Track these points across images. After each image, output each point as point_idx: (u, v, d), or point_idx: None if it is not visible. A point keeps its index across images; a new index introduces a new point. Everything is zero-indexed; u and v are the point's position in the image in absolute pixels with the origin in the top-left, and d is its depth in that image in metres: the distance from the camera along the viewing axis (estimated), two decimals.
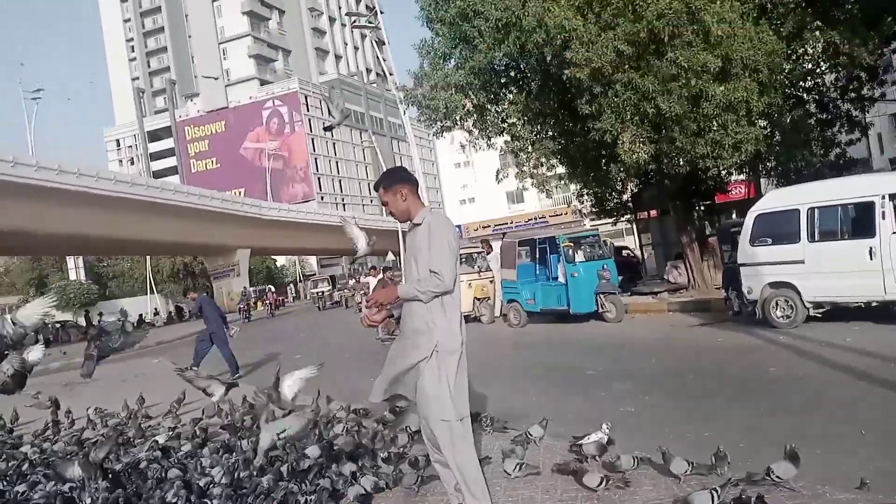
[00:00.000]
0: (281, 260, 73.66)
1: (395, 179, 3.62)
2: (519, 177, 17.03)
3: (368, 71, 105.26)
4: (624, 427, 5.00)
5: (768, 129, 13.69)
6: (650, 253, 21.43)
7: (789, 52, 12.77)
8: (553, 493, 3.90)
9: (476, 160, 47.56)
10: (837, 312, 9.63)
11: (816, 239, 9.55)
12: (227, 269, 47.59)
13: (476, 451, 3.62)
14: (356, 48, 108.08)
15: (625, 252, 21.98)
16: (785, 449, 3.50)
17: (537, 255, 15.08)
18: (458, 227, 34.33)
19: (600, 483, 3.78)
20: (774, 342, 8.90)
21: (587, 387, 7.47)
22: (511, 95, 16.25)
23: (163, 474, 4.48)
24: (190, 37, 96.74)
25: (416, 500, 4.04)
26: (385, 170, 4.16)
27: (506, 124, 16.60)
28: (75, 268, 55.82)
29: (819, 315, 9.74)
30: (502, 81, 16.26)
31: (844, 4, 13.10)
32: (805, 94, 15.41)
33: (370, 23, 35.13)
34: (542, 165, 16.42)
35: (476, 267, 16.36)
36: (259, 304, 43.30)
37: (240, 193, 61.68)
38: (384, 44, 34.13)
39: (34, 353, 5.43)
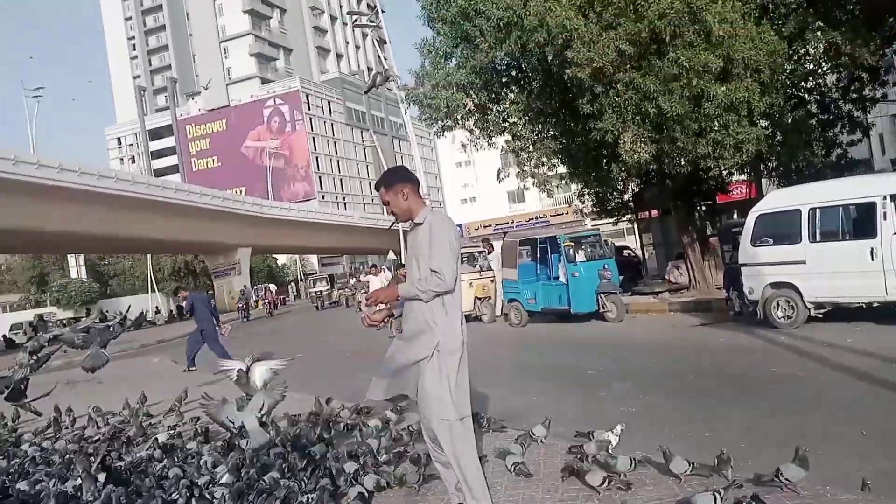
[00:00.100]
0: (282, 258, 73.71)
1: (397, 179, 3.61)
2: (520, 176, 17.03)
3: (370, 70, 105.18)
4: (627, 427, 4.99)
5: (770, 130, 13.69)
6: (651, 253, 21.43)
7: (791, 52, 12.77)
8: (554, 492, 3.90)
9: (477, 159, 47.54)
10: (839, 313, 9.63)
11: (818, 239, 9.55)
12: (228, 268, 47.61)
13: (477, 450, 3.62)
14: (357, 47, 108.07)
15: (626, 252, 21.99)
16: (796, 451, 3.48)
17: (538, 255, 15.07)
18: (460, 226, 34.27)
19: (602, 482, 3.78)
20: (775, 342, 8.90)
21: (588, 386, 7.47)
22: (512, 95, 16.25)
23: (164, 473, 4.49)
24: (191, 35, 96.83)
25: (417, 499, 4.04)
26: (386, 169, 4.16)
27: (507, 124, 16.60)
28: (76, 266, 55.92)
29: (820, 315, 9.73)
30: (503, 81, 16.26)
31: (846, 5, 13.09)
32: (806, 95, 15.41)
33: (371, 21, 35.08)
34: (543, 165, 16.42)
35: (477, 266, 16.37)
36: (259, 303, 43.22)
37: (241, 192, 61.67)
38: (385, 42, 34.10)
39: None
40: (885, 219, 8.75)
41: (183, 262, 57.93)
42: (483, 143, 17.12)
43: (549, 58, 13.06)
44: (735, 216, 19.20)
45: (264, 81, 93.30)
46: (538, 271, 15.02)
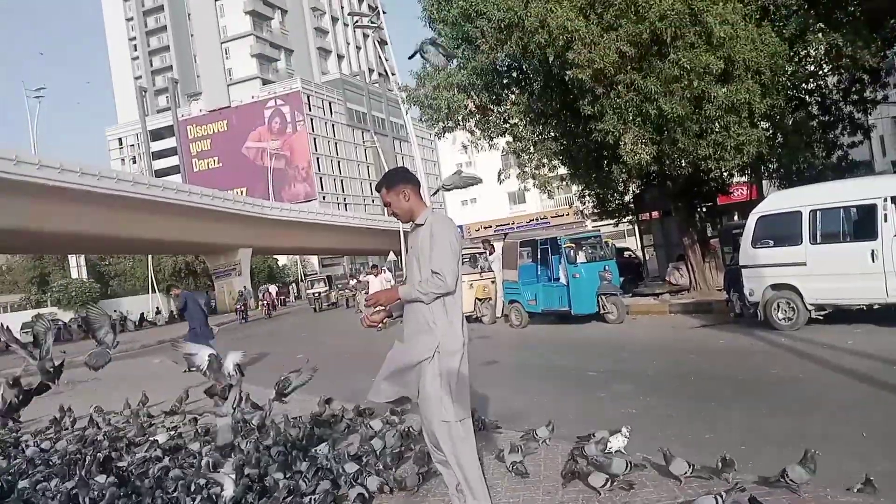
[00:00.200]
0: (283, 259, 73.68)
1: (398, 180, 3.62)
2: (521, 177, 17.05)
3: (371, 71, 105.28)
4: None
5: (770, 131, 13.68)
6: (652, 254, 21.41)
7: (792, 54, 12.77)
8: (554, 494, 3.90)
9: (478, 161, 47.46)
10: (839, 315, 9.63)
11: (818, 241, 9.55)
12: (229, 269, 47.59)
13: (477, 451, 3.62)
14: (358, 48, 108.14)
15: (626, 253, 21.97)
16: (804, 454, 3.47)
17: (539, 256, 15.08)
18: (460, 227, 34.25)
19: (605, 483, 3.79)
20: (776, 344, 8.89)
21: (588, 388, 7.47)
22: (513, 96, 16.26)
23: (163, 474, 4.49)
24: (192, 36, 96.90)
25: (417, 500, 4.05)
26: (387, 170, 4.16)
27: (508, 125, 16.61)
28: (77, 266, 55.90)
29: (821, 317, 9.73)
30: (504, 82, 16.27)
31: (847, 7, 13.08)
32: (807, 96, 15.39)
33: (372, 23, 35.12)
34: (543, 166, 16.43)
35: (478, 267, 16.37)
36: (258, 304, 43.09)
37: (241, 193, 61.70)
38: (386, 44, 34.14)
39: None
40: (885, 221, 8.75)
41: (184, 263, 57.86)
42: (484, 145, 17.13)
43: (550, 59, 13.06)
44: (736, 218, 19.17)
45: (265, 82, 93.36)
46: (539, 272, 15.02)
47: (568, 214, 37.73)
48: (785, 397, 6.15)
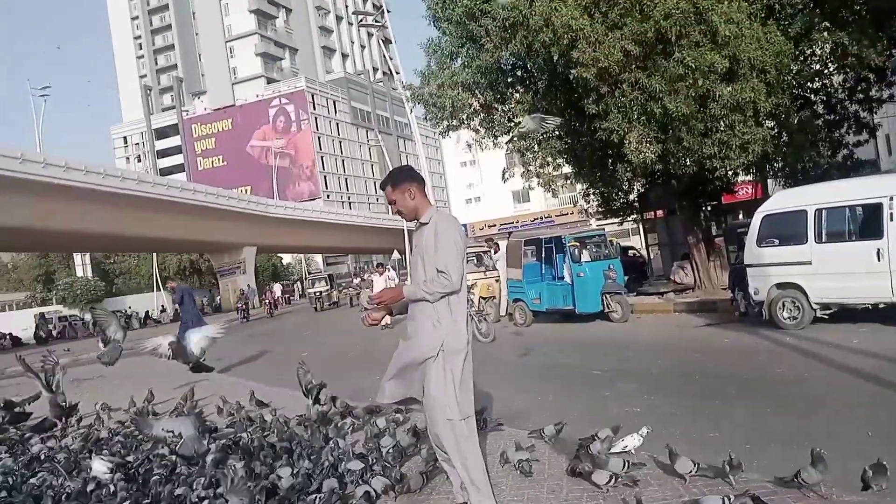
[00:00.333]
0: (287, 258, 73.80)
1: (403, 178, 3.62)
2: (525, 176, 17.03)
3: (375, 70, 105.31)
4: (629, 427, 4.98)
5: (776, 130, 13.66)
6: (656, 253, 21.39)
7: (797, 52, 12.72)
8: (559, 492, 3.90)
9: (482, 159, 47.61)
10: (845, 314, 9.61)
11: (824, 240, 9.53)
12: (234, 267, 47.69)
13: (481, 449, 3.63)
14: (363, 47, 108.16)
15: (631, 252, 21.95)
16: (812, 454, 3.46)
17: (543, 255, 15.06)
18: (464, 226, 34.23)
19: (609, 481, 3.79)
20: (781, 343, 8.88)
21: (592, 387, 7.47)
22: (518, 95, 16.25)
23: (167, 473, 4.51)
24: (197, 34, 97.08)
25: (422, 497, 4.05)
26: (392, 168, 4.17)
27: (512, 123, 16.59)
28: (82, 264, 56.12)
29: (826, 316, 9.71)
30: (509, 80, 16.27)
31: (853, 5, 13.03)
32: (813, 95, 15.35)
33: (377, 21, 35.12)
34: (548, 165, 16.41)
35: (482, 266, 16.37)
36: (261, 303, 43.00)
37: (246, 191, 61.82)
38: (391, 42, 34.12)
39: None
40: (891, 220, 8.72)
41: (188, 261, 58.04)
42: (488, 143, 17.12)
43: (555, 58, 13.06)
44: (741, 216, 19.12)
45: (270, 81, 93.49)
46: (543, 271, 15.02)
47: (572, 213, 37.77)
48: (790, 396, 6.14)
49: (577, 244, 13.73)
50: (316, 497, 3.82)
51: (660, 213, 19.90)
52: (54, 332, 38.70)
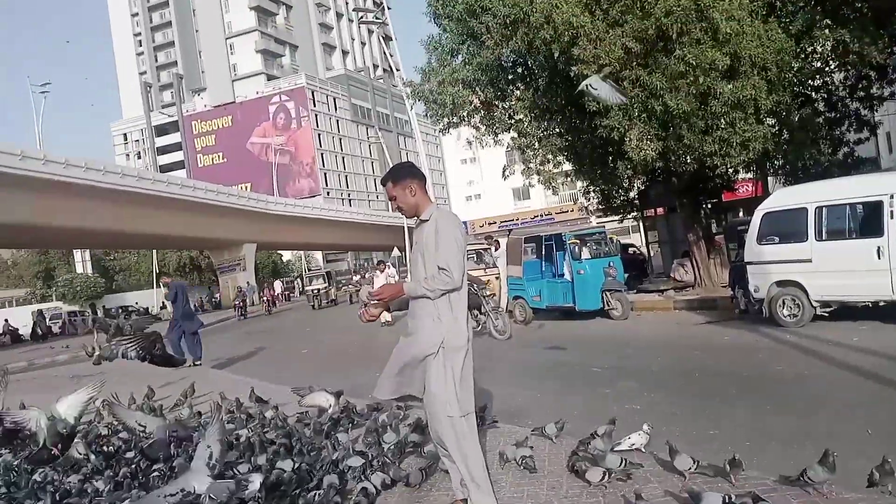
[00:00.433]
0: (287, 255, 73.81)
1: (404, 174, 3.61)
2: (525, 173, 17.02)
3: (375, 66, 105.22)
4: (629, 425, 4.99)
5: (776, 128, 13.65)
6: (656, 251, 21.39)
7: (798, 50, 12.71)
8: (559, 489, 3.90)
9: (482, 156, 47.55)
10: (845, 312, 9.61)
11: (824, 238, 9.53)
12: (234, 264, 47.70)
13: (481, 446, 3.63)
14: (363, 44, 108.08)
15: (631, 250, 21.94)
16: (824, 454, 3.44)
17: (543, 252, 15.06)
18: (465, 223, 34.13)
19: (602, 478, 3.80)
20: (781, 341, 8.88)
21: (592, 384, 7.47)
22: (518, 92, 16.24)
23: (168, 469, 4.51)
24: (197, 31, 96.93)
25: (422, 494, 4.05)
26: (393, 165, 4.16)
27: (513, 121, 16.58)
28: (82, 261, 56.16)
29: (826, 314, 9.71)
30: (510, 78, 16.25)
31: (854, 3, 13.01)
32: (814, 93, 15.35)
33: (377, 18, 35.03)
34: (548, 162, 16.39)
35: (483, 263, 16.37)
36: (260, 300, 42.93)
37: (246, 188, 61.84)
38: (391, 39, 34.07)
39: None
40: (891, 217, 8.71)
41: (188, 258, 58.07)
42: (489, 140, 17.10)
43: (556, 55, 13.04)
44: (741, 214, 19.13)
45: (270, 78, 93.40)
46: (543, 268, 15.02)
47: (572, 210, 37.73)
48: (790, 394, 6.14)
49: (578, 241, 13.72)
50: (315, 493, 3.81)
51: (660, 210, 19.90)
52: (55, 329, 38.71)
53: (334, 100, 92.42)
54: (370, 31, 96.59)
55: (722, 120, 11.80)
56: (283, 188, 75.25)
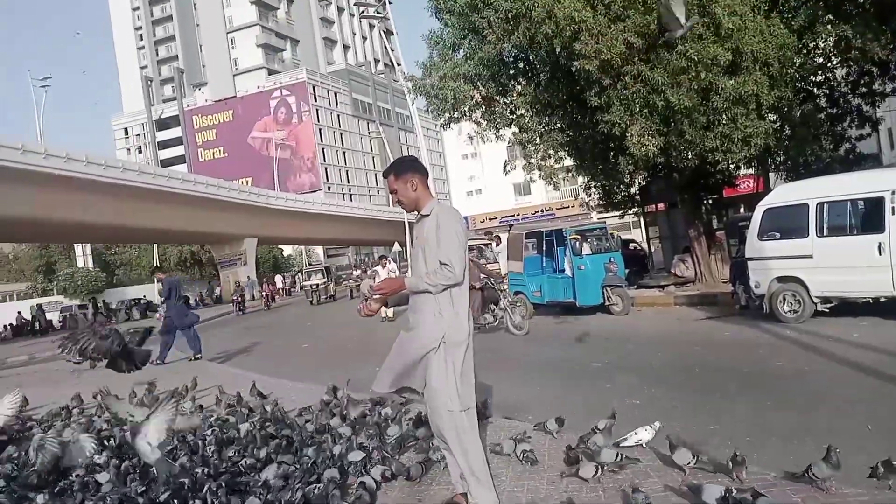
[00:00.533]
0: (288, 249, 73.83)
1: (406, 168, 3.61)
2: (526, 169, 17.00)
3: (376, 61, 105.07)
4: (630, 420, 5.00)
5: (778, 124, 13.62)
6: (657, 246, 21.39)
7: (800, 45, 12.68)
8: (558, 483, 3.91)
9: (483, 152, 47.56)
10: (845, 308, 9.61)
11: (825, 234, 9.53)
12: (234, 258, 47.69)
13: (482, 440, 3.64)
14: (364, 38, 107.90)
15: (632, 245, 21.96)
16: (827, 450, 3.45)
17: (544, 248, 15.06)
18: (465, 218, 34.05)
19: (595, 472, 3.82)
20: (781, 337, 8.89)
21: (593, 379, 7.48)
22: (520, 87, 16.20)
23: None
24: (198, 25, 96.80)
25: (422, 488, 4.06)
26: (396, 158, 4.16)
27: (514, 116, 16.56)
28: (83, 255, 56.16)
29: (827, 310, 9.72)
30: (511, 72, 16.22)
31: None
32: (815, 89, 15.31)
33: (379, 13, 34.99)
34: (549, 157, 16.38)
35: (483, 259, 16.36)
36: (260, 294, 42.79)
37: (247, 183, 61.74)
38: (392, 34, 34.04)
39: None
40: (893, 213, 8.72)
41: (189, 252, 58.08)
42: (490, 136, 17.08)
43: (557, 50, 13.01)
44: (742, 210, 19.12)
45: (271, 72, 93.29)
46: (544, 264, 15.02)
47: (573, 206, 37.69)
48: (790, 390, 6.15)
49: (578, 237, 13.72)
50: (315, 486, 3.82)
51: (661, 206, 19.89)
52: (55, 323, 38.75)
53: (335, 94, 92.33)
54: (371, 26, 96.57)
55: (723, 115, 11.79)
56: (284, 183, 75.22)
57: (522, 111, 16.24)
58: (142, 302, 44.81)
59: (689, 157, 12.97)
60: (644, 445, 4.29)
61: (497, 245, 16.73)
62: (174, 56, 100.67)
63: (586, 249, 13.68)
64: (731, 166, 15.22)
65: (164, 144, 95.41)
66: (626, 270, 14.69)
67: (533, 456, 4.24)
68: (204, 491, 3.74)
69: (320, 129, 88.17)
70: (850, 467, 3.49)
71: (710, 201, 17.47)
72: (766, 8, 12.05)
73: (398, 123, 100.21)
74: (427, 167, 3.78)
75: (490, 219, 46.30)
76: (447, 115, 16.17)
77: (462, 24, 14.83)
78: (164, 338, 12.43)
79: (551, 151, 16.21)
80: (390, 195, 3.70)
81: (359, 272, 34.42)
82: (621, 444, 4.32)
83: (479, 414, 5.18)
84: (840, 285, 9.45)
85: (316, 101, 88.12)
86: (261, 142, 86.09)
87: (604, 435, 4.25)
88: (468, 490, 3.48)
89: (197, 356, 12.32)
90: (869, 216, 9.20)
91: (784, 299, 9.97)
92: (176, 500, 3.70)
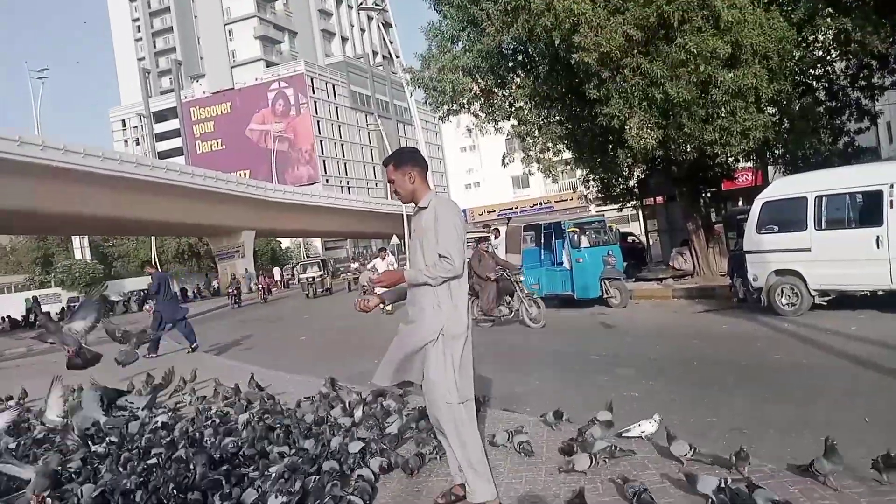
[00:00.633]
0: (286, 242, 73.76)
1: (406, 160, 3.60)
2: (525, 161, 16.98)
3: (375, 53, 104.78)
4: (627, 412, 5.02)
5: (777, 117, 13.60)
6: (655, 239, 21.40)
7: (800, 38, 12.65)
8: (556, 475, 3.92)
9: (482, 144, 47.45)
10: (843, 301, 9.63)
11: (823, 227, 9.54)
12: (232, 251, 47.67)
13: (480, 432, 3.65)
14: (363, 30, 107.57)
15: (630, 238, 21.95)
16: (825, 444, 3.46)
17: (542, 241, 15.07)
18: (464, 211, 33.96)
19: (590, 464, 3.86)
20: (779, 330, 8.90)
21: (591, 372, 7.49)
22: (519, 79, 16.17)
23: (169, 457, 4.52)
24: (196, 17, 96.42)
25: (420, 479, 4.07)
26: (398, 148, 4.16)
27: (513, 108, 16.53)
28: (81, 247, 56.03)
29: (824, 303, 9.73)
30: (510, 65, 16.19)
31: None
32: (815, 82, 15.28)
33: (377, 5, 34.88)
34: (548, 150, 16.36)
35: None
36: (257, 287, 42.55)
37: (245, 175, 61.72)
38: (391, 26, 33.95)
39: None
40: (891, 207, 8.72)
41: (187, 245, 58.00)
42: (488, 128, 17.05)
43: (556, 42, 12.97)
44: (740, 203, 19.14)
45: (269, 64, 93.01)
46: (542, 257, 15.03)
47: (572, 199, 37.72)
48: (788, 383, 6.16)
49: (577, 230, 13.73)
50: (313, 478, 3.83)
51: (659, 199, 19.89)
52: (53, 316, 38.66)
53: (333, 87, 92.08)
54: (370, 18, 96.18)
55: (722, 108, 11.77)
56: (282, 175, 75.14)
57: (521, 104, 16.21)
58: (140, 293, 44.69)
59: (688, 150, 12.96)
60: (643, 436, 4.31)
61: (496, 238, 16.71)
62: (172, 48, 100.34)
63: (584, 242, 13.69)
64: (730, 159, 15.22)
65: (162, 136, 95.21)
66: (625, 263, 14.71)
67: (529, 447, 4.26)
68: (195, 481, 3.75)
69: (318, 122, 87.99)
70: (848, 460, 3.50)
71: (709, 194, 17.46)
72: (766, 1, 12.02)
73: (396, 116, 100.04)
74: (426, 160, 3.77)
75: (488, 211, 46.31)
76: (446, 107, 16.14)
77: (461, 15, 14.79)
78: (154, 332, 12.45)
79: (550, 144, 16.19)
80: (388, 184, 3.69)
81: (357, 265, 34.31)
82: (624, 435, 4.35)
83: (477, 406, 5.22)
84: (838, 278, 9.46)
85: (314, 93, 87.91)
86: (259, 134, 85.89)
87: (601, 427, 4.27)
88: (466, 482, 3.49)
89: (193, 346, 12.35)
90: (867, 209, 9.20)
91: (782, 292, 9.98)
92: (176, 490, 3.70)
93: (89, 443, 4.91)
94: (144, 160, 40.54)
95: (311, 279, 32.45)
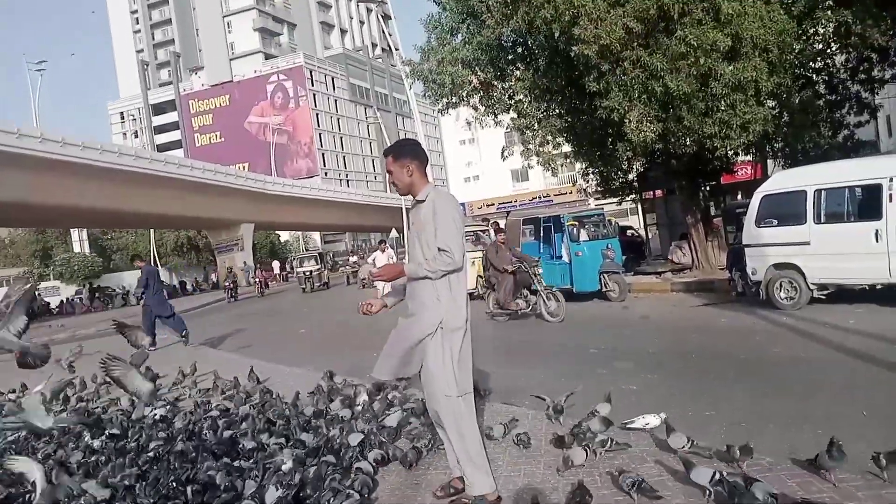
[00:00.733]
0: (285, 235, 73.70)
1: (406, 152, 3.59)
2: (524, 155, 16.97)
3: (374, 46, 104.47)
4: (626, 405, 5.03)
5: (777, 110, 13.58)
6: (655, 233, 21.39)
7: (800, 31, 12.62)
8: (555, 467, 3.93)
9: (481, 137, 47.36)
10: (842, 294, 9.63)
11: (822, 221, 9.54)
12: (231, 244, 47.63)
13: (478, 425, 3.65)
14: (362, 22, 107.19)
15: (629, 232, 21.96)
16: (830, 442, 3.46)
17: (541, 234, 15.05)
18: (462, 205, 33.92)
19: (586, 456, 3.88)
20: (778, 323, 8.91)
21: (589, 365, 7.50)
22: (518, 72, 16.14)
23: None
24: (194, 9, 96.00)
25: (419, 472, 4.08)
26: (400, 139, 4.15)
27: (512, 101, 16.50)
28: (79, 240, 55.97)
29: (823, 297, 9.74)
30: (510, 57, 16.15)
31: None
32: (814, 75, 15.26)
33: None
34: (548, 143, 16.34)
35: (480, 244, 16.36)
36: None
37: (244, 168, 61.56)
38: (390, 18, 33.86)
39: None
40: (890, 201, 8.72)
41: (185, 238, 57.96)
42: (488, 121, 17.02)
43: (556, 35, 12.94)
44: (739, 197, 19.12)
45: (268, 57, 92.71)
46: (541, 250, 15.01)
47: (571, 192, 37.65)
48: (787, 377, 6.16)
49: (576, 223, 13.73)
50: (311, 469, 3.84)
51: (658, 192, 19.87)
52: (53, 309, 38.68)
53: (332, 79, 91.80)
54: (369, 10, 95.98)
55: (722, 102, 11.75)
56: (281, 168, 75.03)
57: (521, 96, 16.18)
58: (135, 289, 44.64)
59: (688, 143, 12.95)
60: (645, 428, 4.33)
61: (496, 232, 16.69)
62: (170, 40, 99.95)
63: (584, 236, 13.69)
64: (730, 153, 15.19)
65: (161, 129, 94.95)
66: (624, 257, 14.72)
67: (526, 438, 4.27)
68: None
69: (317, 114, 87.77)
70: (847, 454, 3.51)
71: (708, 188, 17.45)
72: None
73: (396, 109, 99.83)
74: (427, 153, 3.76)
75: (488, 205, 46.22)
76: (445, 100, 16.11)
77: (460, 8, 14.75)
78: (144, 322, 12.49)
79: (549, 137, 16.17)
80: (387, 174, 3.69)
81: (356, 258, 34.22)
82: (628, 426, 4.35)
83: (477, 399, 5.23)
84: (837, 272, 9.46)
85: (313, 85, 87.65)
86: (257, 127, 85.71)
87: (600, 419, 4.28)
88: (465, 475, 3.49)
89: (184, 334, 12.35)
90: (866, 203, 9.20)
91: (781, 286, 9.99)
92: (175, 483, 3.71)
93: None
94: (143, 153, 40.43)
95: (307, 273, 32.09)
